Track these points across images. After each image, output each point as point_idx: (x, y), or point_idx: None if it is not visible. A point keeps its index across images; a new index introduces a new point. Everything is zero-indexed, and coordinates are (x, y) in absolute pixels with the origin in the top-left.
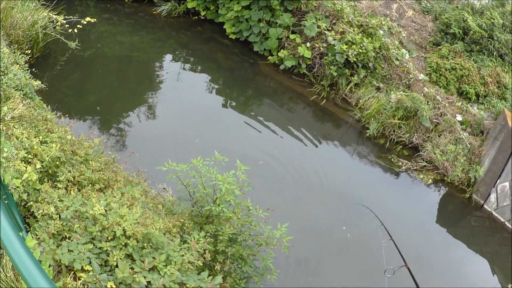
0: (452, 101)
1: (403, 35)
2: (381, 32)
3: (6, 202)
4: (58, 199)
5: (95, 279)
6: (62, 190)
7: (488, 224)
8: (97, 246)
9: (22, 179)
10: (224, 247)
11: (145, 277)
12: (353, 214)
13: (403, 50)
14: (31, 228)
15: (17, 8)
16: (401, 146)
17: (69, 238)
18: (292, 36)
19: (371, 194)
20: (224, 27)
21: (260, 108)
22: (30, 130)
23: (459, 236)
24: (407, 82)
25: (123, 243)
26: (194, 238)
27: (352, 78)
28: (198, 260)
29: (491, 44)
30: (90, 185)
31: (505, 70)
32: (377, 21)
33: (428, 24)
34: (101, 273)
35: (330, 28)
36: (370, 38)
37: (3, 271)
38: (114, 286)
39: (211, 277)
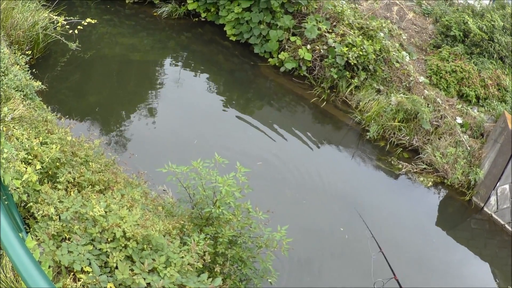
0: (452, 103)
1: (404, 37)
2: (382, 34)
3: (6, 203)
4: (58, 200)
5: (94, 280)
6: (62, 191)
7: (488, 226)
8: (97, 247)
9: (22, 180)
10: (224, 249)
11: (144, 279)
12: (352, 216)
13: (404, 53)
14: (31, 229)
15: (17, 9)
16: (401, 149)
17: (69, 239)
18: (292, 38)
19: (371, 197)
20: (225, 29)
21: (261, 110)
22: (30, 131)
23: (459, 239)
24: (407, 85)
25: (123, 245)
26: (194, 240)
27: (353, 80)
28: (198, 262)
29: (491, 47)
30: (90, 186)
31: (506, 73)
32: (378, 24)
33: (429, 26)
34: (101, 275)
35: (330, 31)
36: (370, 41)
37: (3, 271)
38: None
39: (210, 279)
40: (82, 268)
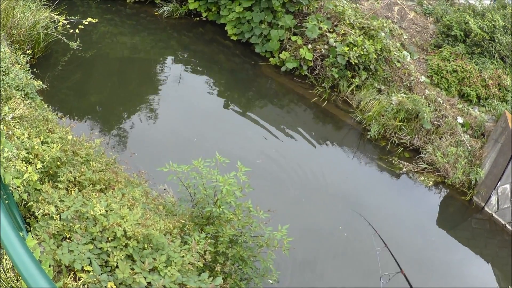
0: (453, 103)
1: (405, 37)
2: (383, 34)
3: (6, 202)
4: (59, 200)
5: (95, 279)
6: (63, 190)
7: (488, 226)
8: (97, 246)
9: (23, 179)
10: (225, 248)
11: (145, 278)
12: (353, 216)
13: (405, 52)
14: (32, 228)
15: (18, 8)
16: (402, 148)
17: (69, 238)
18: (293, 38)
19: (372, 196)
20: (226, 28)
21: (261, 110)
22: (31, 130)
23: (460, 238)
24: (408, 84)
25: (123, 244)
26: (194, 239)
27: (354, 80)
28: (198, 261)
29: (492, 47)
30: (91, 185)
31: (506, 73)
32: (379, 23)
33: (430, 26)
34: (102, 274)
35: (331, 30)
36: (371, 40)
37: (3, 270)
38: (114, 287)
39: (211, 278)
40: (82, 267)
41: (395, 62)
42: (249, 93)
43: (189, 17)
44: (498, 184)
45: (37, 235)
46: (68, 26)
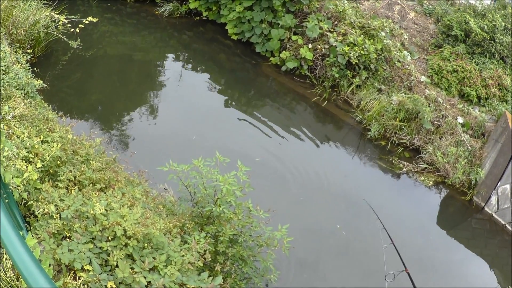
0: (454, 103)
1: (405, 37)
2: (383, 34)
3: (6, 201)
4: (59, 199)
5: (95, 278)
6: (63, 189)
7: (488, 226)
8: (97, 245)
9: (23, 178)
10: (225, 248)
11: (145, 277)
12: (353, 215)
13: (405, 52)
14: (32, 227)
15: (19, 7)
16: (402, 148)
17: (69, 237)
18: (294, 38)
19: (372, 196)
20: (226, 28)
21: (262, 109)
22: (31, 130)
23: (460, 238)
24: (408, 84)
25: (123, 243)
26: (194, 239)
27: (354, 79)
28: (198, 260)
29: (492, 47)
30: (91, 184)
31: (507, 73)
32: (379, 23)
33: (430, 26)
34: (101, 273)
35: (332, 30)
36: (372, 40)
37: (3, 270)
38: (114, 286)
39: (211, 278)
40: (82, 266)
41: (396, 62)
42: (250, 92)
43: (189, 17)
44: (498, 184)
45: (37, 234)
46: (68, 25)
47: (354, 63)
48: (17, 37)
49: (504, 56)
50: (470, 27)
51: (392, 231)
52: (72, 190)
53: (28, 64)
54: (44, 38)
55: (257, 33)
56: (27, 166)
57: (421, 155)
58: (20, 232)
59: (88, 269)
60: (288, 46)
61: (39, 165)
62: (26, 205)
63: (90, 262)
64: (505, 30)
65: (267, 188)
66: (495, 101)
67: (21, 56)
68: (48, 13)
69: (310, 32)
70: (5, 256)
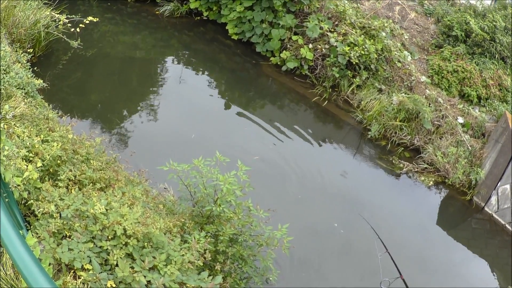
0: (454, 103)
1: (405, 37)
2: (384, 34)
3: (6, 200)
4: (59, 198)
5: (95, 278)
6: (63, 189)
7: (488, 226)
8: (97, 245)
9: (23, 177)
10: (225, 247)
11: (145, 277)
12: (353, 215)
13: (405, 52)
14: (32, 227)
15: (19, 7)
16: (403, 148)
17: (69, 236)
18: (294, 38)
19: (372, 196)
20: (227, 27)
21: (262, 109)
22: (32, 129)
23: (460, 239)
24: (409, 84)
25: (123, 242)
26: (194, 238)
27: (354, 79)
28: (198, 260)
29: (493, 47)
30: (91, 184)
31: (507, 73)
32: (380, 23)
33: (431, 26)
34: (101, 272)
35: (332, 30)
36: (372, 40)
37: (3, 269)
38: (114, 285)
39: (211, 277)
40: (82, 265)
41: (396, 62)
42: (250, 92)
43: (190, 16)
44: (498, 184)
45: (37, 233)
46: (69, 25)
47: (354, 63)
48: (18, 36)
49: (505, 57)
50: (470, 28)
51: (391, 231)
52: (72, 190)
53: (29, 64)
54: (45, 38)
55: (257, 33)
56: (27, 166)
57: (421, 155)
58: (20, 231)
59: (88, 268)
60: (288, 46)
61: (39, 164)
62: (26, 204)
63: (90, 261)
64: (506, 31)
65: (267, 187)
66: (496, 101)
67: (22, 55)
68: (48, 13)
69: (310, 32)
70: (5, 255)
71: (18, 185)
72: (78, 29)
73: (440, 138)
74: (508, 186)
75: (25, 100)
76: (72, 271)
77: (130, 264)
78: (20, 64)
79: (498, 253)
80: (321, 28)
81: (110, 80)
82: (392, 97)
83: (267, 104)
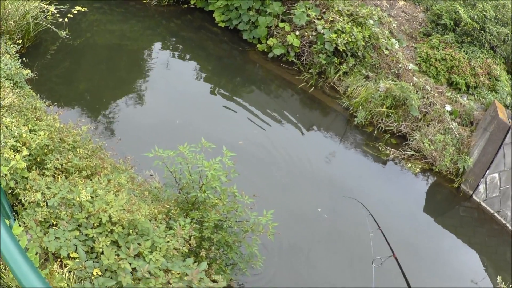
0: (442, 91)
1: (394, 25)
2: (371, 21)
3: None
4: (46, 187)
5: (81, 266)
6: (50, 177)
7: (476, 215)
8: (83, 233)
9: (10, 166)
10: (210, 234)
11: (130, 264)
12: (340, 201)
13: (393, 40)
14: (19, 216)
15: None
16: (389, 135)
17: (56, 225)
18: (281, 25)
19: (358, 182)
20: (214, 15)
21: (249, 96)
22: (19, 119)
23: (447, 226)
24: (396, 72)
25: (109, 230)
26: (179, 225)
27: (341, 66)
28: (183, 246)
29: (482, 36)
30: (77, 172)
31: (497, 62)
32: (367, 11)
33: (419, 14)
34: (87, 260)
35: (319, 17)
36: (360, 28)
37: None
38: (99, 273)
39: (196, 264)
40: (68, 254)
41: (383, 49)
42: (237, 79)
43: (177, 5)
44: (487, 172)
45: (24, 222)
46: (57, 15)
47: (341, 50)
48: (7, 28)
49: (494, 46)
50: (460, 17)
51: (378, 217)
52: (59, 178)
53: (17, 55)
54: (34, 29)
55: (244, 20)
56: (14, 155)
57: (408, 142)
58: (8, 221)
59: (74, 257)
60: (275, 33)
61: (25, 152)
62: (14, 193)
63: (76, 249)
64: (496, 21)
65: (252, 173)
66: (484, 90)
67: (11, 47)
68: (37, 4)
69: (297, 20)
70: None
71: (5, 175)
72: (66, 19)
73: (428, 126)
74: (496, 175)
75: (14, 90)
76: (59, 259)
77: (115, 251)
78: (9, 55)
79: (487, 242)
80: (308, 15)
81: (98, 69)
82: (379, 84)
83: (253, 90)
